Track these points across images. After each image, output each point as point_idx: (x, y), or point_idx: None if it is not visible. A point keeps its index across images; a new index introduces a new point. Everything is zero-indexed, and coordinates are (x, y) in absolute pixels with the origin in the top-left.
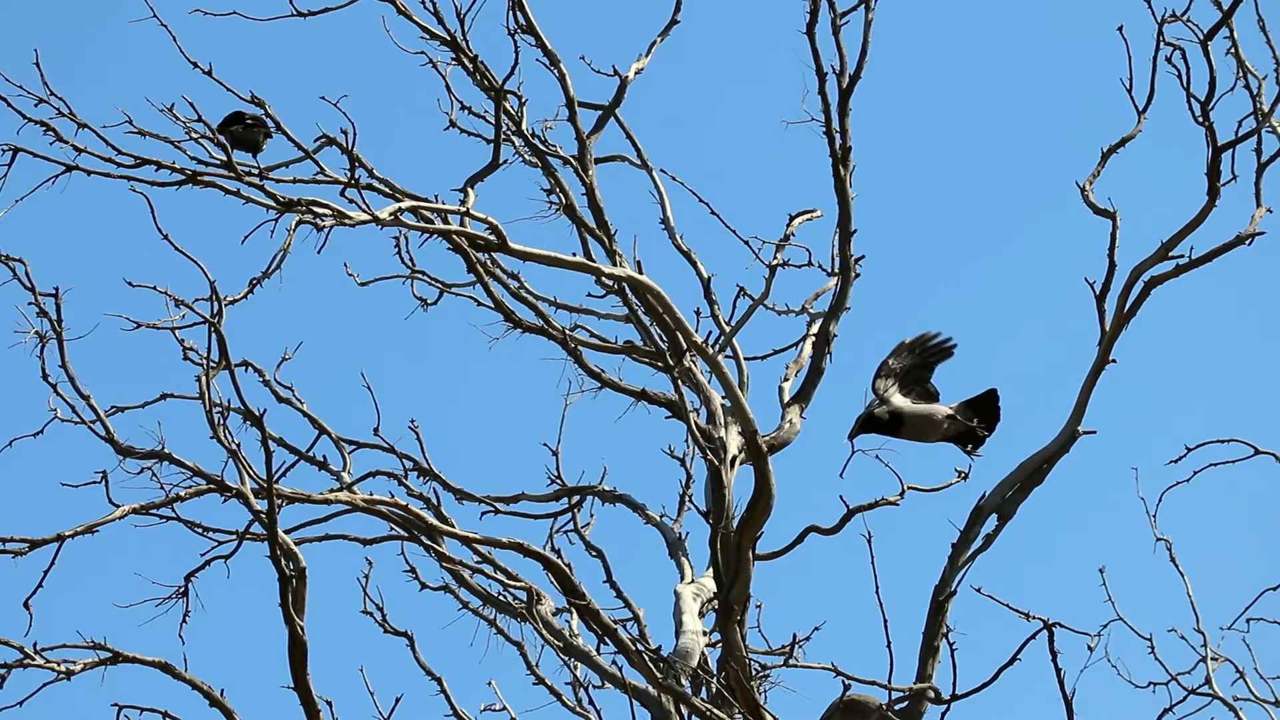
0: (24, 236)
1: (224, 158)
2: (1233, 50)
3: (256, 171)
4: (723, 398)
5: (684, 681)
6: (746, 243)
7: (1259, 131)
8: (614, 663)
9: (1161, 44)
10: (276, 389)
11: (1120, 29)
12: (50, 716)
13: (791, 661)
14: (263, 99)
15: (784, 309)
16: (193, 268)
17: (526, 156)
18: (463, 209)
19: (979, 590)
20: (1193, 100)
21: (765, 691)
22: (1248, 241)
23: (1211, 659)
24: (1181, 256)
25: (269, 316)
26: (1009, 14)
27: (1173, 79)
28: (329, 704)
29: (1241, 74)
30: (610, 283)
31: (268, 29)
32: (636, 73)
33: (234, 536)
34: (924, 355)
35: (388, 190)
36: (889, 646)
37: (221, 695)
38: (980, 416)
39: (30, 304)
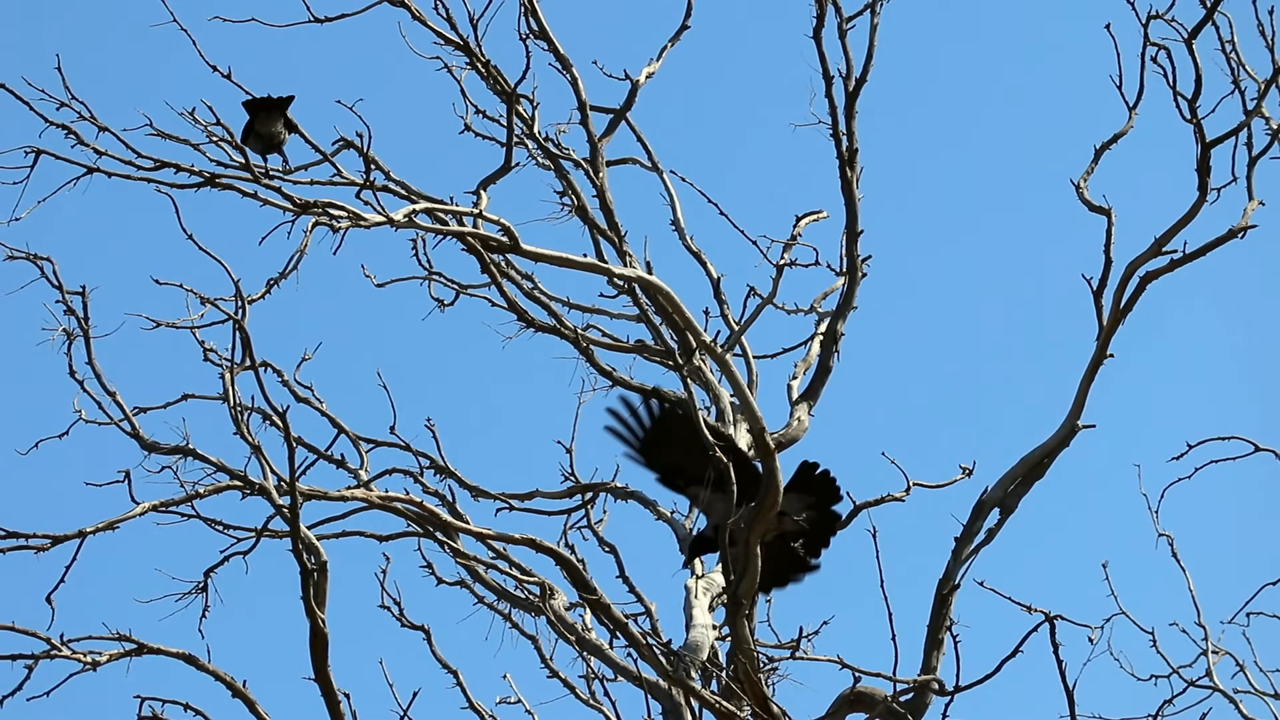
0: (43, 237)
1: (243, 159)
2: (1220, 47)
3: (279, 171)
4: (731, 396)
5: (694, 674)
6: (754, 243)
7: (1247, 125)
8: (629, 655)
9: (1147, 43)
10: (295, 389)
11: (1108, 27)
12: (76, 707)
13: (799, 654)
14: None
15: (793, 308)
16: (209, 271)
17: (539, 159)
18: (476, 211)
19: (982, 584)
20: (1179, 98)
21: (773, 684)
22: (1240, 235)
23: (1212, 652)
24: (1175, 251)
25: (287, 318)
26: (1007, 15)
27: (1164, 75)
28: (347, 696)
29: (1230, 70)
30: (621, 283)
31: (285, 34)
32: (647, 77)
33: (253, 533)
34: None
35: (403, 192)
36: (894, 639)
37: (244, 686)
38: (815, 496)
39: (58, 302)
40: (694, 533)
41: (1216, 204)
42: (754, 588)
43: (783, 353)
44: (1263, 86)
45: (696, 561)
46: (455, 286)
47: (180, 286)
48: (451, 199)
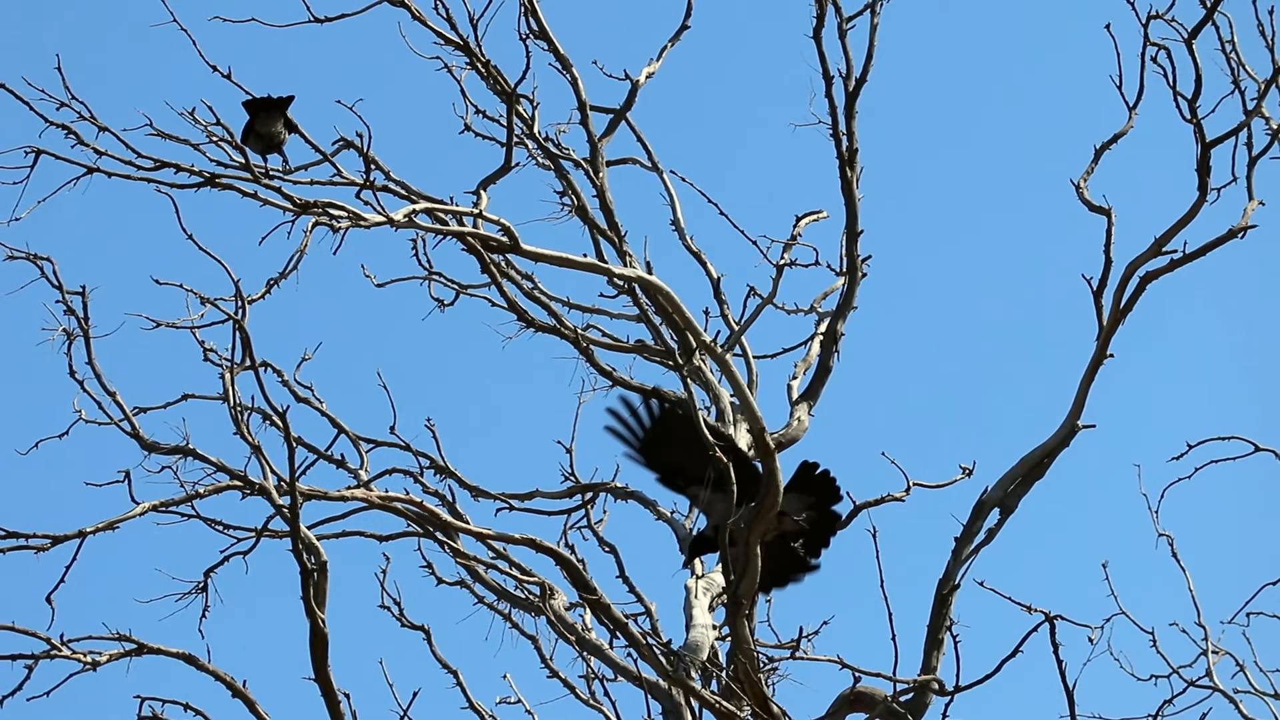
0: (43, 238)
1: (243, 160)
2: (1220, 46)
3: (279, 171)
4: (731, 396)
5: (694, 674)
6: (754, 243)
7: (1247, 125)
8: (629, 655)
9: (1147, 43)
10: (295, 389)
11: (1108, 27)
12: (76, 707)
13: (799, 654)
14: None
15: (793, 308)
16: (208, 271)
17: (539, 159)
18: (476, 211)
19: (982, 584)
20: (1179, 99)
21: (773, 684)
22: (1240, 235)
23: (1212, 652)
24: (1175, 251)
25: (287, 318)
26: (1008, 15)
27: (1164, 75)
28: (347, 696)
29: (1230, 69)
30: (621, 283)
31: (285, 34)
32: (647, 77)
33: (253, 533)
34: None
35: (403, 192)
36: (894, 639)
37: (244, 686)
38: (815, 496)
39: (58, 302)
40: (694, 533)
41: (1216, 204)
42: (754, 588)
43: (783, 353)
44: (1262, 86)
45: (696, 561)
46: (455, 286)
47: (180, 286)
48: (451, 199)
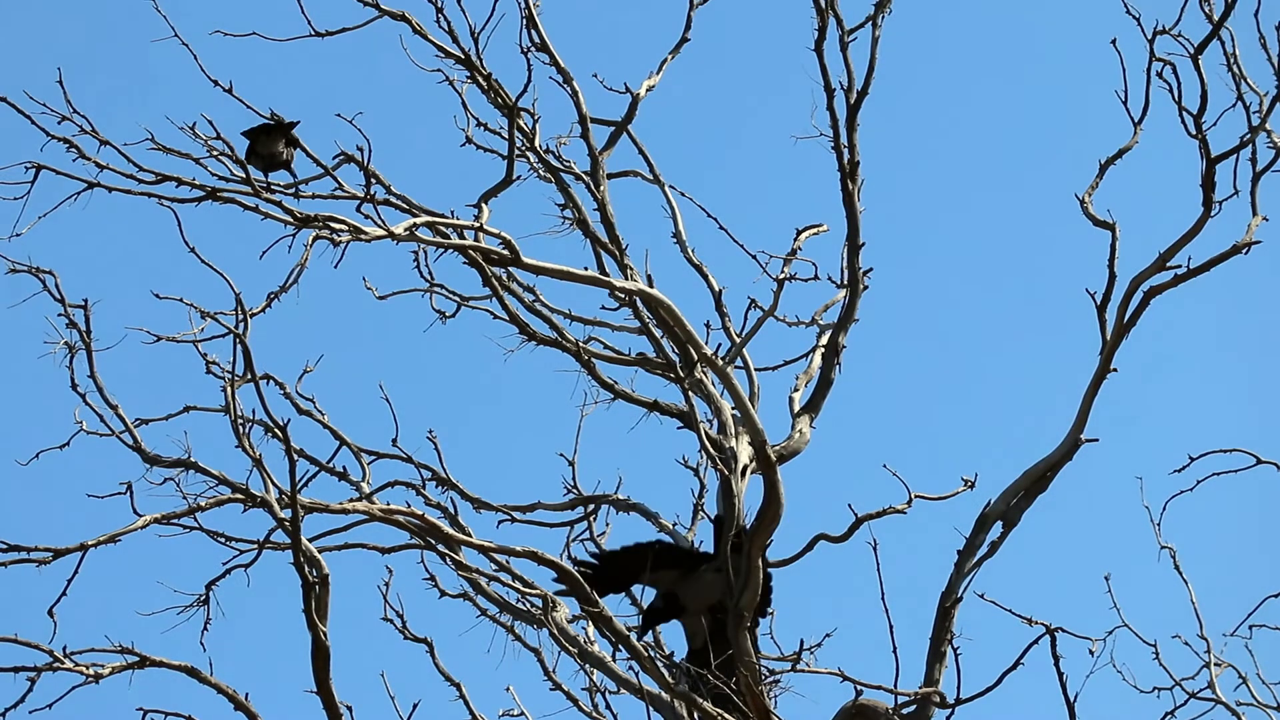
0: (45, 251)
1: (243, 174)
2: (1224, 61)
3: (279, 186)
4: (733, 408)
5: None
6: (754, 257)
7: (1252, 141)
8: (631, 668)
9: (1153, 59)
10: (298, 401)
11: (1114, 42)
12: (79, 719)
13: (800, 667)
14: (282, 116)
15: (794, 321)
16: (210, 284)
17: (540, 172)
18: (477, 224)
19: (984, 596)
20: (1185, 114)
21: (775, 696)
22: (1244, 250)
23: (1214, 664)
24: (1179, 266)
25: (289, 331)
26: (1013, 30)
27: (1169, 90)
28: (350, 709)
29: (1236, 85)
30: (623, 296)
31: (286, 49)
32: (648, 90)
33: (254, 546)
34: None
35: (404, 206)
36: (895, 652)
37: (246, 699)
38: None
39: (60, 315)
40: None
41: (1220, 218)
42: (755, 600)
43: (784, 365)
44: (1265, 101)
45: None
46: (457, 299)
47: (182, 300)
48: (452, 212)
